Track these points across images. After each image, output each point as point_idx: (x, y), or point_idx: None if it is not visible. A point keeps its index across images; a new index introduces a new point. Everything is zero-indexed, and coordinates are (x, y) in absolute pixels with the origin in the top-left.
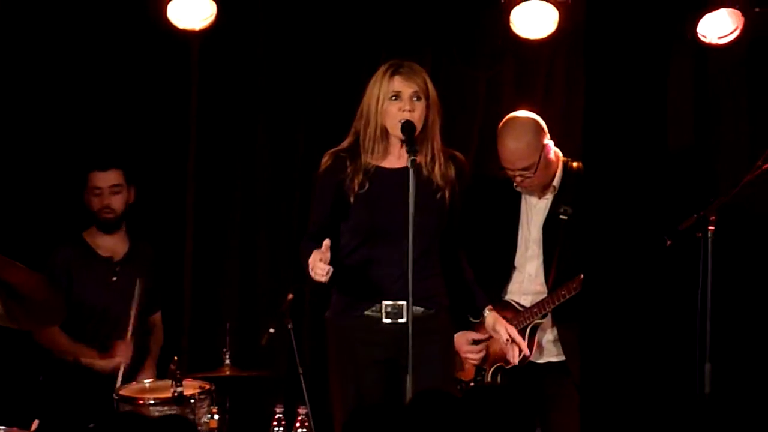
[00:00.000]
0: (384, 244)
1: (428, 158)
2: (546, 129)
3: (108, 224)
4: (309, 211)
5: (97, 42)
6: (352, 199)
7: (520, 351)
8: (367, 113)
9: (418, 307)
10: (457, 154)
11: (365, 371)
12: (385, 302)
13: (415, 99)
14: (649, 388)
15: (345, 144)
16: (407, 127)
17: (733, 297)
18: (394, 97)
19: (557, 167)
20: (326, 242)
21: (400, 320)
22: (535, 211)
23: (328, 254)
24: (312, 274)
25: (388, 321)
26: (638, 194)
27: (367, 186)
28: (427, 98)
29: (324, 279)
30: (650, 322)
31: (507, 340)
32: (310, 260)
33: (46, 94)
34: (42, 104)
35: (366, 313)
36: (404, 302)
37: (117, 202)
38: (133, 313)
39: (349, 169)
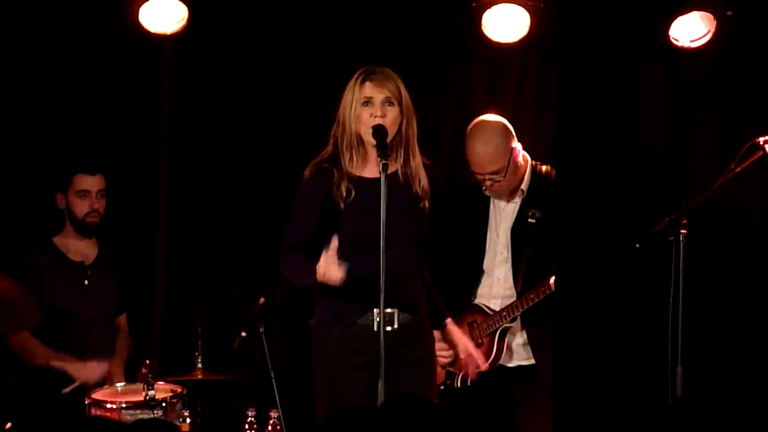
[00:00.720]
0: (374, 253)
1: (405, 165)
2: (513, 132)
3: (92, 228)
4: (285, 220)
5: (67, 46)
6: (343, 206)
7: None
8: (342, 120)
9: (406, 314)
10: (425, 159)
11: (355, 379)
12: (376, 310)
13: (386, 104)
14: (622, 391)
15: (326, 153)
16: (378, 131)
17: (704, 300)
18: (365, 103)
19: (526, 171)
20: (334, 242)
21: (389, 328)
22: (503, 215)
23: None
24: (323, 277)
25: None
26: (610, 198)
27: (353, 194)
28: (400, 104)
29: (340, 279)
30: (623, 325)
31: (466, 355)
32: (320, 265)
33: (14, 97)
34: (10, 108)
35: (358, 322)
36: (395, 310)
37: (102, 207)
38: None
39: (335, 178)
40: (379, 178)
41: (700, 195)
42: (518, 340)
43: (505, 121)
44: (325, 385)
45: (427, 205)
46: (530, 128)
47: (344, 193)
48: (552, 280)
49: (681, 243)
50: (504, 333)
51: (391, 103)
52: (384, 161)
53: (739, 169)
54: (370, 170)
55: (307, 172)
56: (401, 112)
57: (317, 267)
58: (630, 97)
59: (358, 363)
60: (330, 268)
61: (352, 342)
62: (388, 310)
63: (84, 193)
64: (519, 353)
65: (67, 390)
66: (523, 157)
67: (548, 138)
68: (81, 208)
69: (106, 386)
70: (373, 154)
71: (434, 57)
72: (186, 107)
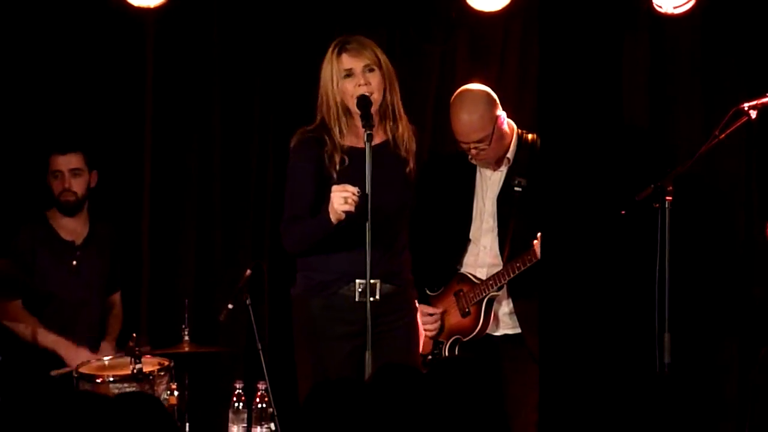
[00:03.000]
0: (360, 223)
1: (394, 129)
2: (498, 101)
3: (68, 207)
4: (270, 192)
5: (50, 20)
6: (335, 175)
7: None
8: (326, 96)
9: (388, 285)
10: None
11: (337, 348)
12: (359, 281)
13: (367, 72)
14: (609, 358)
15: (312, 126)
16: (362, 101)
17: (691, 267)
18: (347, 75)
19: (511, 139)
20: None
21: (371, 299)
22: (489, 183)
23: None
24: (341, 203)
25: (361, 299)
26: (594, 165)
27: (347, 163)
28: (380, 68)
29: (352, 204)
30: (609, 292)
31: None
32: (333, 196)
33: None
34: None
35: (340, 292)
36: (377, 281)
37: (78, 186)
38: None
39: (327, 147)
40: (371, 148)
41: (685, 162)
42: (504, 308)
43: (488, 89)
44: (306, 353)
45: (412, 166)
46: (514, 97)
47: (337, 163)
48: (537, 247)
49: (666, 210)
50: (491, 302)
51: (371, 70)
52: (369, 132)
53: (723, 136)
54: (361, 141)
55: (294, 141)
56: (383, 75)
57: (331, 200)
58: (613, 65)
59: (340, 333)
60: (346, 193)
61: (334, 312)
62: (371, 281)
63: (57, 173)
64: (505, 322)
65: (56, 373)
66: (509, 125)
67: (532, 106)
68: (56, 187)
69: (93, 361)
70: (360, 124)
71: (417, 26)
72: (170, 80)
